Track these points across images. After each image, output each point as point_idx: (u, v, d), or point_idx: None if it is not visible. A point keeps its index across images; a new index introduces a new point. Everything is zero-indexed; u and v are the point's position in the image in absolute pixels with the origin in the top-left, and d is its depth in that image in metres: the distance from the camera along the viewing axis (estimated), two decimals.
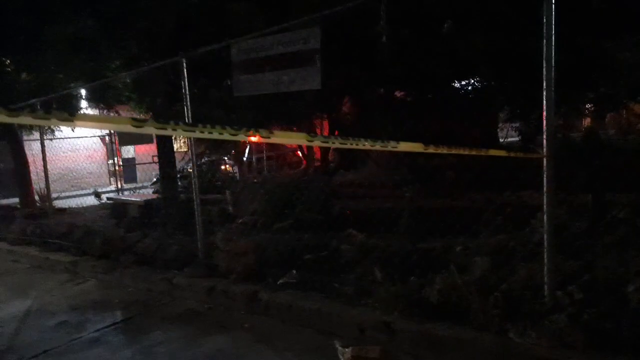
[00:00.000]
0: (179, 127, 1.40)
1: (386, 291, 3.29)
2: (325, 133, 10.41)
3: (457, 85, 8.73)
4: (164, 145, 7.40)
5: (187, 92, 4.52)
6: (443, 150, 2.05)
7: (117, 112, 8.92)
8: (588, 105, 9.37)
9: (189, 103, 4.56)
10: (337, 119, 9.25)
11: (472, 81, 8.60)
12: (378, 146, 1.87)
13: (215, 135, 1.51)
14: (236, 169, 14.64)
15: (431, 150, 2.03)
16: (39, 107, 7.23)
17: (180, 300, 4.40)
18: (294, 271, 4.04)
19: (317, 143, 1.71)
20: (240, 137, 1.53)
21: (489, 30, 4.54)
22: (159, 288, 4.68)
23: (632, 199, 3.76)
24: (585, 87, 6.73)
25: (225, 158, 16.83)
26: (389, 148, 1.89)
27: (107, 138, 17.65)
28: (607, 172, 3.69)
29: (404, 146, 1.94)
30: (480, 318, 2.84)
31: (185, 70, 4.50)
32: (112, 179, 18.05)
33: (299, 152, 13.96)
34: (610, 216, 3.30)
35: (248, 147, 14.30)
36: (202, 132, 1.48)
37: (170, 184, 7.55)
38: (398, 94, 9.09)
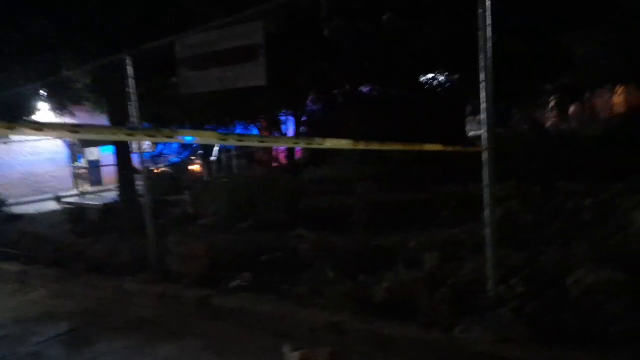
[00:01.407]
0: (61, 129, 1.27)
1: (336, 291, 3.22)
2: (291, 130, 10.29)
3: (423, 79, 8.73)
4: (121, 147, 7.15)
5: (133, 91, 4.34)
6: (374, 146, 1.98)
7: (71, 112, 8.57)
8: (552, 98, 9.52)
9: (135, 102, 4.38)
10: (301, 116, 9.16)
11: (437, 75, 8.62)
12: (302, 144, 1.78)
13: (106, 137, 1.39)
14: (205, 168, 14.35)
15: (361, 146, 1.95)
16: None
17: (130, 308, 4.22)
18: (247, 273, 3.93)
19: (231, 141, 1.61)
20: (139, 138, 1.41)
21: (444, 22, 4.53)
22: (109, 295, 4.49)
23: (582, 188, 3.80)
24: (542, 79, 6.85)
25: (194, 157, 16.50)
26: (314, 145, 1.81)
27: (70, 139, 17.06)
28: (557, 162, 3.71)
29: (332, 143, 1.86)
30: (427, 315, 2.80)
31: (131, 68, 4.31)
32: (78, 181, 17.49)
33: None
34: (556, 206, 3.31)
35: (217, 146, 14.01)
36: (87, 133, 1.36)
37: (128, 186, 7.31)
38: (365, 89, 9.04)
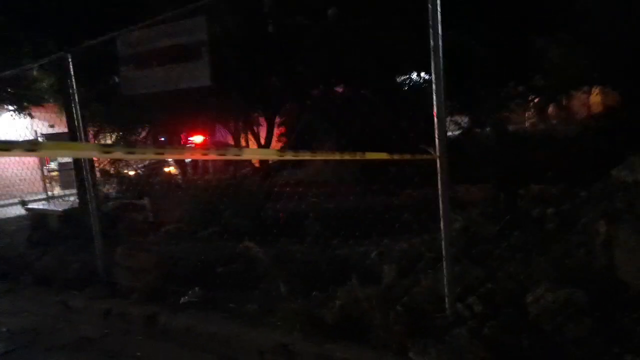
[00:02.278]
0: None
1: (288, 309, 2.99)
2: (264, 133, 9.93)
3: (400, 80, 8.52)
4: None
5: (75, 91, 4.04)
6: (305, 156, 1.75)
7: (30, 114, 8.15)
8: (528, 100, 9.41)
9: (77, 103, 4.08)
10: (274, 117, 8.85)
11: (411, 76, 8.42)
12: (213, 154, 1.54)
13: None
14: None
15: (289, 157, 1.73)
16: None
17: (75, 326, 3.92)
18: (199, 288, 3.67)
19: (117, 155, 1.36)
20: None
21: (407, 23, 4.33)
22: (54, 312, 4.18)
23: (549, 193, 3.64)
24: (510, 81, 6.74)
25: (170, 160, 16.01)
26: (229, 156, 1.56)
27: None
28: (522, 165, 3.53)
29: (251, 154, 1.62)
30: (381, 336, 2.59)
31: (71, 66, 4.01)
32: (51, 184, 16.86)
33: None
34: (519, 214, 3.12)
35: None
36: None
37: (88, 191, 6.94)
38: (339, 90, 8.78)
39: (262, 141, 9.27)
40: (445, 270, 2.44)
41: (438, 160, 2.33)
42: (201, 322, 3.31)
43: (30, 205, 9.44)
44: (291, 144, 10.12)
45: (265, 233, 5.08)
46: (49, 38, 5.70)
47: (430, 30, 2.24)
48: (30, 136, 14.98)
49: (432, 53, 2.25)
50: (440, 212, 2.41)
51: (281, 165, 10.64)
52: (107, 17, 4.67)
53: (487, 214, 3.25)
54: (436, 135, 2.32)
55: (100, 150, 1.28)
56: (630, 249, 2.18)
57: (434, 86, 2.29)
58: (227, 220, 5.91)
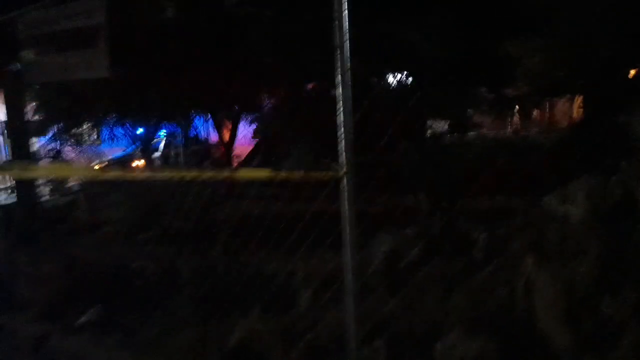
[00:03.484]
0: None
1: (185, 337, 2.61)
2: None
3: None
4: (16, 138, 6.18)
5: None
6: (141, 175, 1.38)
7: None
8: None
9: None
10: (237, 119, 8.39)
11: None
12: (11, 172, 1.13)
13: None
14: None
15: (113, 175, 1.33)
16: None
17: None
18: (99, 306, 3.26)
19: None
20: None
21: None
22: None
23: (494, 211, 3.32)
24: (484, 87, 6.44)
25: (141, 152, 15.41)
26: (47, 173, 1.16)
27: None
28: (461, 180, 3.19)
29: (65, 171, 1.22)
30: None
31: None
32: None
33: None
34: (456, 237, 2.79)
35: (164, 139, 13.04)
36: None
37: (25, 185, 6.41)
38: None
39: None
40: (349, 308, 2.07)
41: (345, 178, 1.97)
42: (94, 347, 2.92)
43: None
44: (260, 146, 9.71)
45: (209, 239, 4.66)
46: None
47: (335, 23, 1.88)
48: None
49: (337, 51, 1.89)
50: (346, 240, 2.04)
51: (247, 161, 10.12)
52: None
53: (423, 234, 2.91)
54: (343, 149, 1.95)
55: None
56: (550, 298, 1.85)
57: (340, 90, 1.92)
58: (169, 223, 5.49)
